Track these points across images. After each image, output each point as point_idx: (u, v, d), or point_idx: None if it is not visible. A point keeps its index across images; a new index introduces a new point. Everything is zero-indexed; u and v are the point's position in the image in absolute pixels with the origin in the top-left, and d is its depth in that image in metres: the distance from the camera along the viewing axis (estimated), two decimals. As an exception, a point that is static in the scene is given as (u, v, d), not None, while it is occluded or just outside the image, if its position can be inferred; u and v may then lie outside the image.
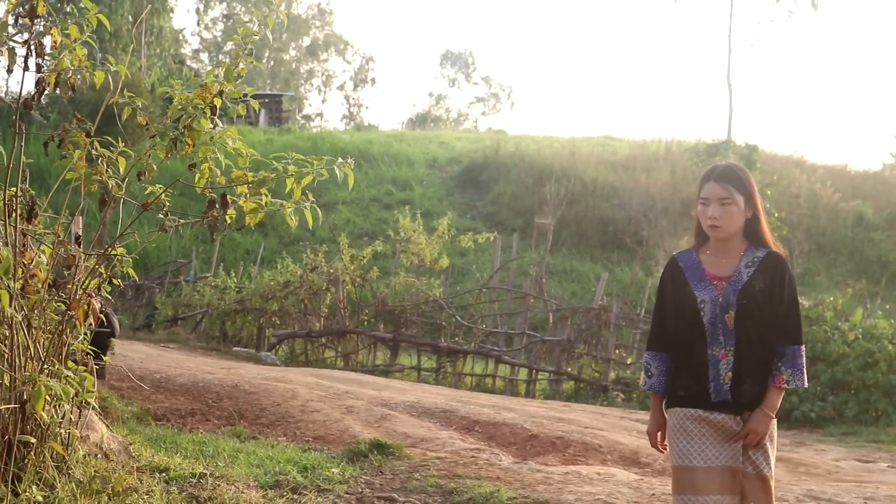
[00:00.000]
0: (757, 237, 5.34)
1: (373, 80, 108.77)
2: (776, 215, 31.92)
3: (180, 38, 79.46)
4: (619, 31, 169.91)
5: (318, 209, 6.23)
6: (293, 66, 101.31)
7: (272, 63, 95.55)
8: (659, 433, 5.52)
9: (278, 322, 25.92)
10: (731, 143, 37.02)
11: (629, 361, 23.03)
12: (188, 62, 77.39)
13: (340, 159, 6.17)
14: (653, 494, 8.42)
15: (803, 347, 5.29)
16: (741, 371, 5.19)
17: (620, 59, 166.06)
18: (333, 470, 8.79)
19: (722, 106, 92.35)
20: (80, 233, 7.36)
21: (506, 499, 7.92)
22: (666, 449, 5.49)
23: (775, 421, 5.29)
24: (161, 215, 6.41)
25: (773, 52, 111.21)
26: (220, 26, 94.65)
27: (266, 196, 6.26)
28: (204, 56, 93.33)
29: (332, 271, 25.10)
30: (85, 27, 6.07)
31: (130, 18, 50.97)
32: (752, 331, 5.20)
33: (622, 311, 23.64)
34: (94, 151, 6.17)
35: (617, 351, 22.99)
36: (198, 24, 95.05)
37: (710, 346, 5.23)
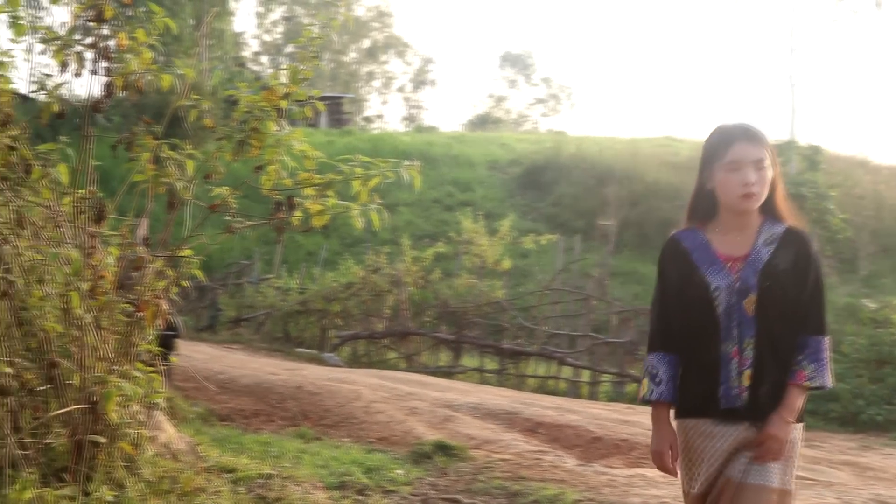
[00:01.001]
0: (773, 210, 4.54)
1: (432, 82, 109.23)
2: (840, 217, 31.65)
3: (241, 40, 79.97)
4: (681, 31, 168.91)
5: (385, 211, 6.25)
6: (353, 68, 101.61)
7: (332, 65, 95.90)
8: (670, 451, 4.56)
9: (341, 323, 25.98)
10: (794, 143, 36.68)
11: (692, 363, 22.84)
12: (248, 65, 77.82)
13: (406, 161, 6.18)
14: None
15: (828, 340, 4.43)
16: (761, 370, 4.36)
17: (681, 59, 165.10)
18: (398, 471, 8.82)
19: (784, 106, 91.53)
20: (148, 235, 7.41)
21: (571, 501, 7.91)
22: (674, 471, 4.59)
23: (800, 427, 4.48)
24: (228, 217, 6.44)
25: (836, 52, 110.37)
26: (280, 29, 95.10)
27: (332, 198, 6.28)
28: (264, 59, 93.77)
29: (394, 273, 25.16)
30: (151, 30, 6.12)
31: (192, 21, 51.34)
32: (775, 321, 4.36)
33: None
34: (161, 154, 6.22)
35: (680, 352, 22.79)
36: (258, 27, 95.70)
37: (723, 342, 4.39)
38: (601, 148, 47.29)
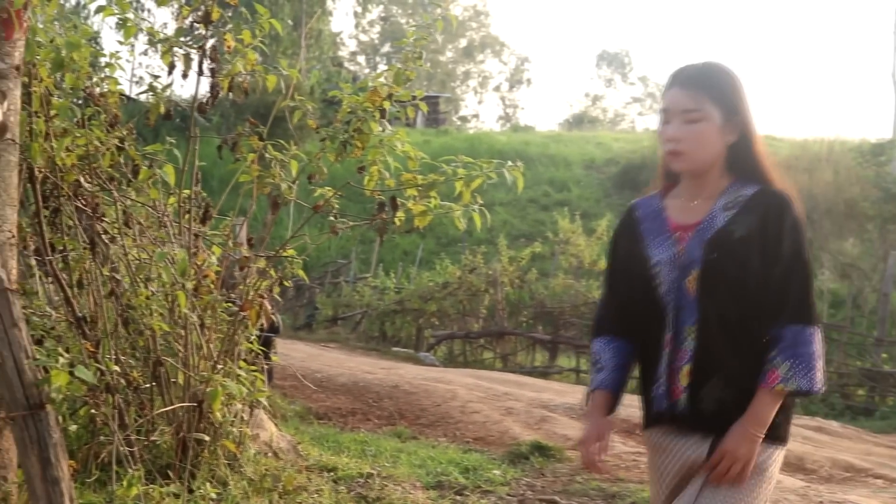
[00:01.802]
0: (748, 170, 3.56)
1: (528, 81, 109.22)
2: (945, 216, 31.05)
3: (338, 40, 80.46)
4: (779, 28, 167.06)
5: (487, 211, 6.24)
6: (449, 67, 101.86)
7: (429, 64, 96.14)
8: (597, 442, 3.73)
9: (437, 323, 26.05)
10: None
11: (790, 365, 22.66)
12: (346, 64, 78.29)
13: (510, 162, 6.16)
14: (820, 502, 8.23)
15: (816, 330, 3.37)
16: (704, 365, 3.43)
17: (780, 57, 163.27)
18: (495, 471, 8.79)
19: (887, 104, 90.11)
20: (250, 235, 7.49)
21: None
22: (602, 468, 3.78)
23: (778, 452, 3.48)
24: (331, 218, 6.48)
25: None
26: (377, 29, 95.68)
27: (435, 199, 6.28)
28: (361, 58, 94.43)
29: (490, 273, 25.15)
30: (257, 32, 6.17)
31: (290, 22, 51.80)
32: (727, 302, 3.42)
33: (785, 314, 23.26)
34: (266, 154, 6.27)
35: (780, 355, 22.61)
36: (355, 27, 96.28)
37: (666, 329, 3.52)
38: (699, 147, 46.84)
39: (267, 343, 8.28)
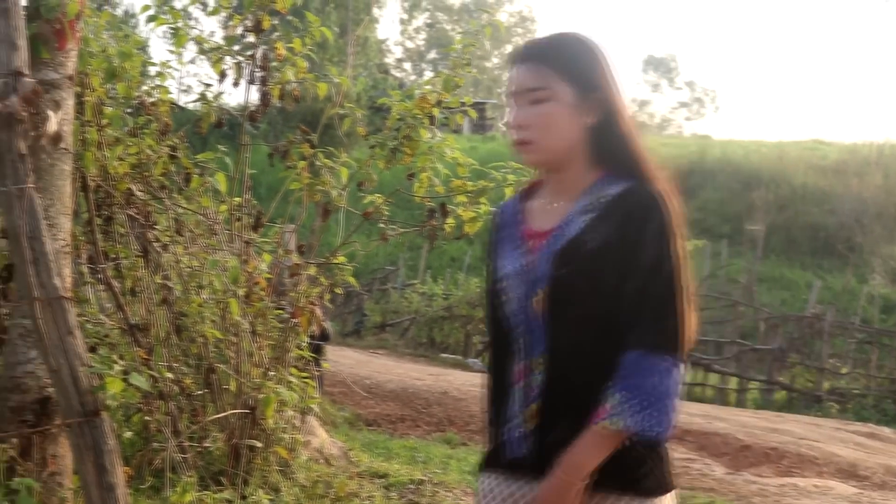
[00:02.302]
0: (617, 161, 2.87)
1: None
2: None
3: (384, 47, 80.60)
4: (828, 31, 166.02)
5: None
6: (496, 73, 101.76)
7: (475, 70, 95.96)
8: None
9: (485, 329, 25.97)
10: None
11: (844, 371, 22.52)
12: (392, 71, 78.40)
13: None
14: (874, 509, 8.18)
15: (669, 360, 2.61)
16: (554, 403, 2.72)
17: (829, 60, 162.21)
18: (545, 477, 8.78)
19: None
20: (299, 242, 7.52)
21: (722, 510, 7.80)
22: None
23: None
24: (381, 225, 6.50)
25: None
26: (423, 35, 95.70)
27: (485, 205, 6.28)
28: (407, 65, 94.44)
29: (538, 278, 25.07)
30: (307, 40, 6.19)
31: (337, 30, 51.93)
32: (578, 328, 2.70)
33: (836, 319, 23.08)
34: (317, 162, 6.29)
35: (831, 360, 22.46)
36: (401, 33, 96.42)
37: (514, 359, 2.81)
38: (747, 152, 46.73)
39: (317, 350, 8.31)
